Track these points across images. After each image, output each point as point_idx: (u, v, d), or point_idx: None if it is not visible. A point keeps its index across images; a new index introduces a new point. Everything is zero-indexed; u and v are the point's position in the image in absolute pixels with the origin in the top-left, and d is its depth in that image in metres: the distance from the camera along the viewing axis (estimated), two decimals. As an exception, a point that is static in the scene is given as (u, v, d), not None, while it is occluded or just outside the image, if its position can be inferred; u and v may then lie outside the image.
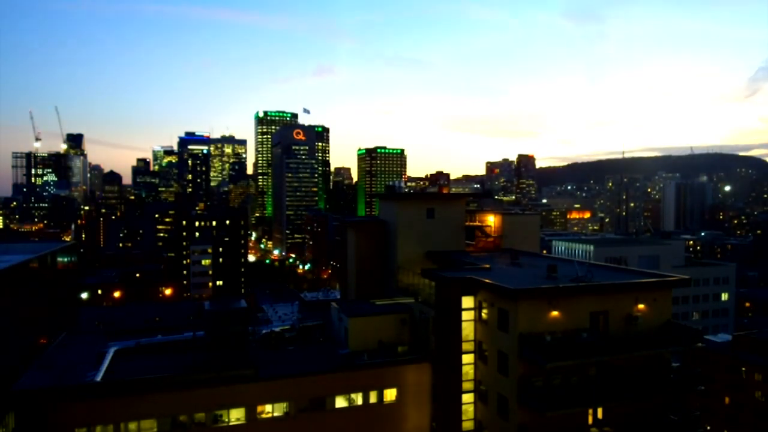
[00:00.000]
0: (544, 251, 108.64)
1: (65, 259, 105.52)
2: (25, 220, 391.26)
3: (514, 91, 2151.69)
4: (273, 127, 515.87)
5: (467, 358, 43.66)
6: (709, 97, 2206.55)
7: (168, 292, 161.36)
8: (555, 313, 38.15)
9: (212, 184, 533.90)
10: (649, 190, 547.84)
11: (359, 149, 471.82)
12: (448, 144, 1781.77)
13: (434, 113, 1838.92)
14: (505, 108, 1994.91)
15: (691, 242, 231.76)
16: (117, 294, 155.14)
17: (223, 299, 52.72)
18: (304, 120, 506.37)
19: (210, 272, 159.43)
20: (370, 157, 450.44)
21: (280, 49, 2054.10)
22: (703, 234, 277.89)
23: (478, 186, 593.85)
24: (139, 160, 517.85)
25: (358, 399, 45.98)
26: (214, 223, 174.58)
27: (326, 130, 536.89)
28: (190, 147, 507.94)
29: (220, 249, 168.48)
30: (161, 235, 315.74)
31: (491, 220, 70.11)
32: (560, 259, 76.76)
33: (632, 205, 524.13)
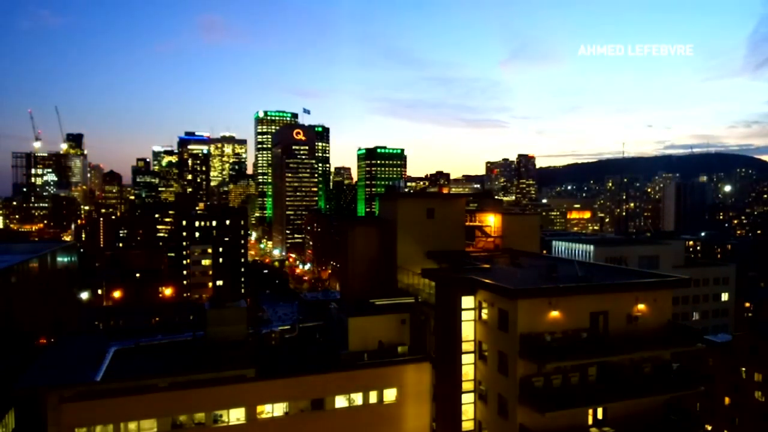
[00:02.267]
0: (544, 251, 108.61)
1: (65, 259, 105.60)
2: (25, 220, 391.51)
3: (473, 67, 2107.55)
4: (273, 127, 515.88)
5: (467, 358, 43.59)
6: (707, 73, 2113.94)
7: (168, 292, 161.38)
8: (555, 313, 38.13)
9: (212, 184, 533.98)
10: (649, 190, 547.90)
11: (359, 149, 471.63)
12: (449, 144, 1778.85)
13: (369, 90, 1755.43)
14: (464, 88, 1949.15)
15: (691, 242, 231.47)
16: (117, 294, 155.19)
17: (222, 299, 52.72)
18: (304, 120, 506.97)
19: (210, 272, 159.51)
20: (370, 157, 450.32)
21: (279, 48, 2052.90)
22: (703, 234, 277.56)
23: (478, 186, 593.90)
24: (139, 160, 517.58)
25: (358, 399, 45.97)
26: (214, 223, 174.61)
27: (326, 130, 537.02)
28: (190, 147, 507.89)
29: (220, 249, 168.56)
30: (161, 235, 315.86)
31: (491, 220, 70.05)
32: (560, 259, 76.77)
33: (632, 205, 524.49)
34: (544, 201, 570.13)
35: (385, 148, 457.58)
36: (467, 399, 43.53)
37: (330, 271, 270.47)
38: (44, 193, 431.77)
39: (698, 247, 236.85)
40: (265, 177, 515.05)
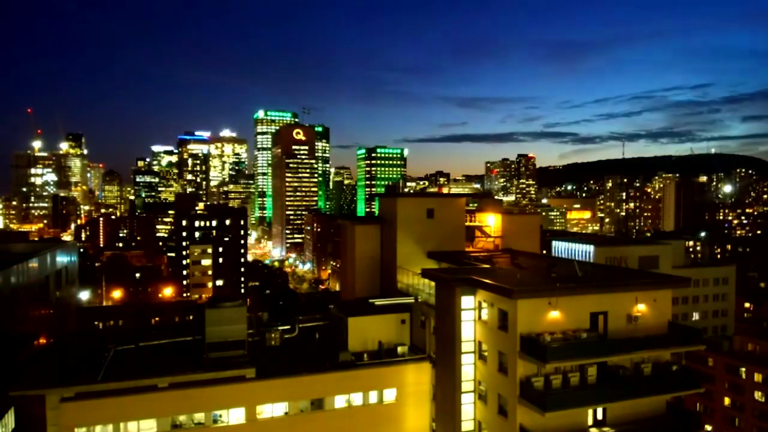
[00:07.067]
0: (544, 251, 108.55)
1: (65, 259, 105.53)
2: (24, 219, 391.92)
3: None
4: (273, 127, 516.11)
5: (467, 358, 43.60)
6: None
7: (168, 292, 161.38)
8: (555, 313, 38.13)
9: (212, 184, 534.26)
10: (649, 190, 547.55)
11: (359, 149, 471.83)
12: (448, 144, 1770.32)
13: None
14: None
15: (691, 242, 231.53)
16: (117, 294, 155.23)
17: (222, 299, 52.68)
18: (304, 120, 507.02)
19: (210, 272, 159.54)
20: (370, 157, 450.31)
21: (278, 48, 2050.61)
22: (703, 234, 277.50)
23: (478, 186, 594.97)
24: (138, 159, 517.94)
25: (358, 399, 45.96)
26: (214, 223, 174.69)
27: (326, 129, 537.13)
28: (190, 147, 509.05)
29: (220, 249, 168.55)
30: (161, 234, 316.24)
31: (491, 220, 70.10)
32: (560, 259, 76.78)
33: (632, 205, 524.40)
34: (544, 201, 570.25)
35: (385, 147, 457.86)
36: (467, 399, 43.53)
37: (330, 271, 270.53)
38: (44, 193, 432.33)
39: (698, 247, 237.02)
40: (265, 177, 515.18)
